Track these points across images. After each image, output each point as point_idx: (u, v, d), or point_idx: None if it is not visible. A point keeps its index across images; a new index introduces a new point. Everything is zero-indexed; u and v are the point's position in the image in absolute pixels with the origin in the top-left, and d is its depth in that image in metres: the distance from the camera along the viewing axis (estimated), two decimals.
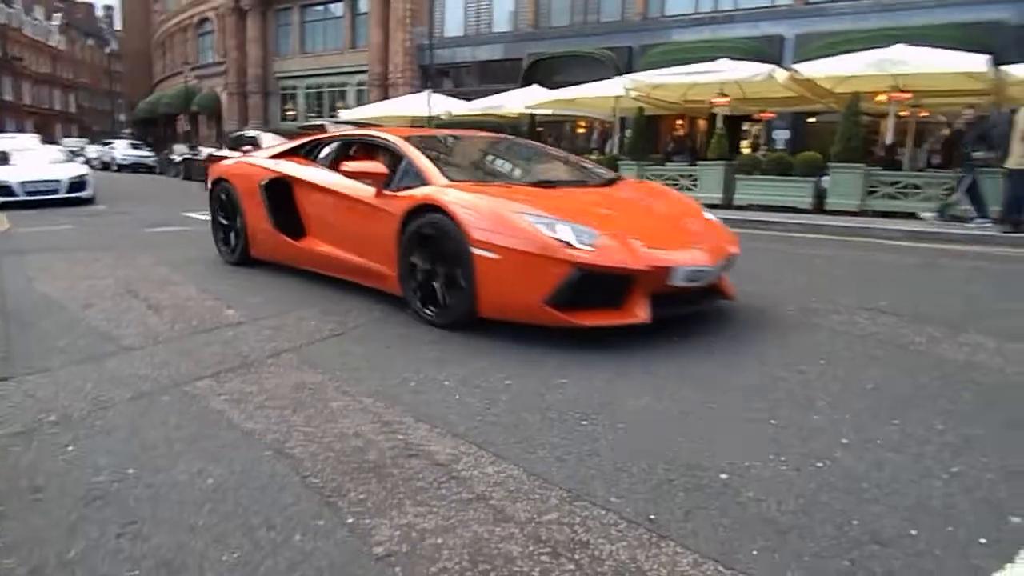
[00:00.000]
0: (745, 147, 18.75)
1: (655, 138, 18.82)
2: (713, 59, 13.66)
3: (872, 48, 12.07)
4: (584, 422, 2.72)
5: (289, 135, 12.95)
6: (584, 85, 15.80)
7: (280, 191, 5.46)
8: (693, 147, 17.22)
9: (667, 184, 11.00)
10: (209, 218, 6.65)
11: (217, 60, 38.25)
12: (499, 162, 5.53)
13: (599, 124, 21.22)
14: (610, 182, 5.08)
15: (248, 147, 12.32)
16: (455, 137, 5.90)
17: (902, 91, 11.97)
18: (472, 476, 2.25)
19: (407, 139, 4.93)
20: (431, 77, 24.52)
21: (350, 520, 1.98)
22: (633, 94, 14.53)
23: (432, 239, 4.04)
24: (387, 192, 4.48)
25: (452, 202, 3.92)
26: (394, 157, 4.85)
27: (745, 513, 2.07)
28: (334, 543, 1.87)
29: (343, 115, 22.42)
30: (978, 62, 10.85)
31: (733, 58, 13.82)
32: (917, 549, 1.89)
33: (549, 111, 17.64)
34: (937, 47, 11.85)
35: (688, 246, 3.99)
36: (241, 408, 2.82)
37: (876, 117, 14.21)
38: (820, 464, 2.38)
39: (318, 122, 13.74)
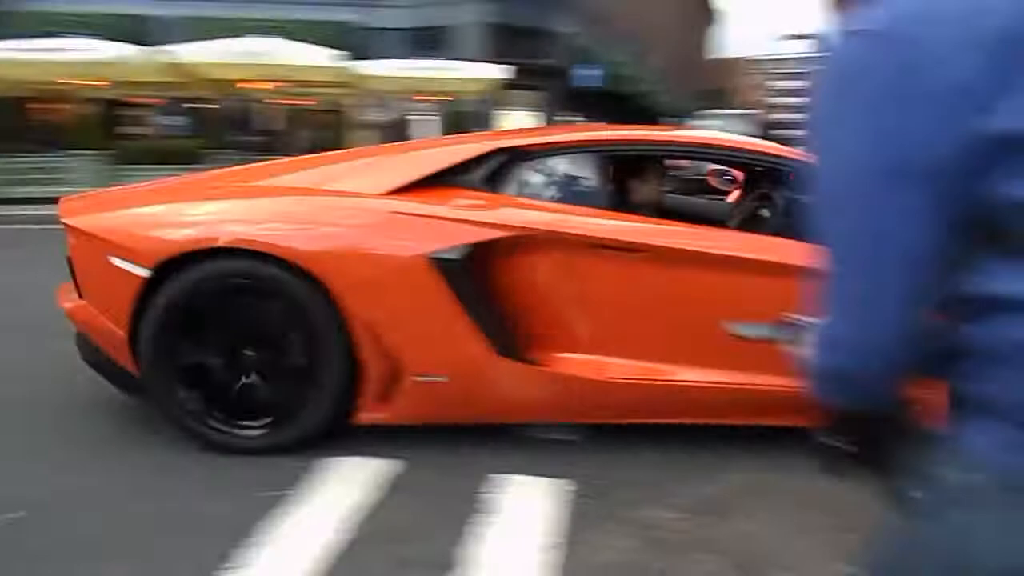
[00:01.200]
0: (139, 133, 17.63)
1: (21, 125, 16.11)
2: (79, 35, 12.43)
3: (243, 37, 12.74)
4: None
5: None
6: None
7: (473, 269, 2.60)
8: (64, 135, 15.24)
9: (28, 179, 9.58)
10: None
11: None
12: None
13: None
14: None
15: None
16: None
17: (273, 80, 12.99)
18: None
19: None
20: None
21: None
22: None
23: None
24: None
25: None
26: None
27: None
28: None
29: None
30: (322, 56, 12.47)
31: (108, 37, 12.82)
32: None
33: None
34: (303, 42, 13.18)
35: None
36: None
37: (260, 102, 15.05)
38: None
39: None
